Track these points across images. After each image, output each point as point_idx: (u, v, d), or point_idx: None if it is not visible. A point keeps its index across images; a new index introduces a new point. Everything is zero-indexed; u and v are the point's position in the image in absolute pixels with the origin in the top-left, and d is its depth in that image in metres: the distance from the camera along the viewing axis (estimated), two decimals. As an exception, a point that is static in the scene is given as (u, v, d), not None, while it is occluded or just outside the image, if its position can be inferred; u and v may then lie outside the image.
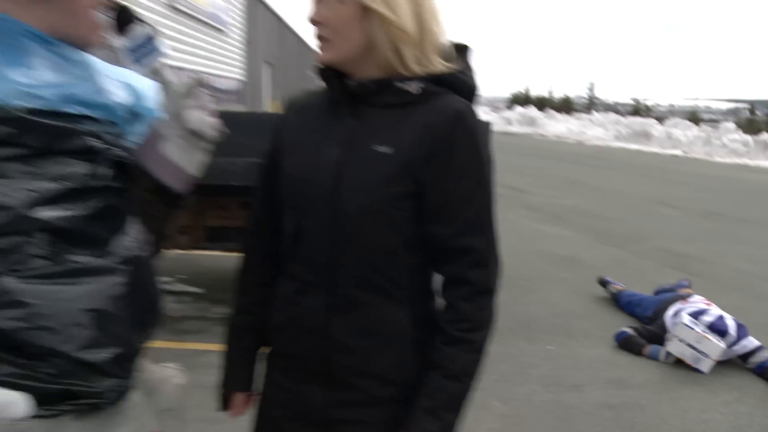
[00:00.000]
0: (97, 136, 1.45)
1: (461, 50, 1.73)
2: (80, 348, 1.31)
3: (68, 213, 1.35)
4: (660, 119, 44.39)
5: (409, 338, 1.72)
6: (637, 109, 57.90)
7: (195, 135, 1.57)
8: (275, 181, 1.81)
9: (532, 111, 51.83)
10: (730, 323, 5.57)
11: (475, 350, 1.69)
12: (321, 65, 1.72)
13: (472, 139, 1.65)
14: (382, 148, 1.63)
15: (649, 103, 63.89)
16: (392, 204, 1.64)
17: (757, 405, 4.93)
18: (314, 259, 1.71)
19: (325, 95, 1.78)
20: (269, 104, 35.64)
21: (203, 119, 1.55)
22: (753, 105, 56.08)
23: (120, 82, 1.60)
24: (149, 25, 1.58)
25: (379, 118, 1.67)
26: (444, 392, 1.66)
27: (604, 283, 7.21)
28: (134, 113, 1.62)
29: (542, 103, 65.96)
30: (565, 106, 65.71)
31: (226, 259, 7.00)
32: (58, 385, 1.30)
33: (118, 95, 1.54)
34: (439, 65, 1.66)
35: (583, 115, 51.93)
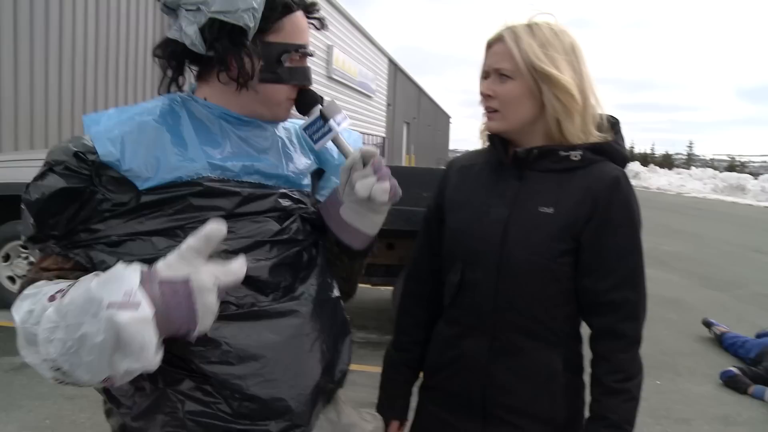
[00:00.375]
0: (286, 197, 1.46)
1: (613, 122, 1.70)
2: (255, 384, 1.29)
3: (254, 264, 1.32)
4: (754, 174, 42.49)
5: (561, 380, 1.65)
6: (732, 165, 55.49)
7: (367, 201, 1.45)
8: (438, 233, 1.78)
9: (635, 166, 50.48)
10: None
11: (633, 398, 1.60)
12: (489, 132, 1.70)
13: (627, 202, 1.60)
14: (546, 209, 1.60)
15: (743, 159, 61.33)
16: (554, 259, 1.59)
17: None
18: (480, 307, 1.66)
19: (487, 158, 1.75)
20: (405, 158, 36.20)
21: (374, 187, 1.41)
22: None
23: (306, 150, 1.60)
24: (331, 102, 1.47)
25: (542, 181, 1.64)
26: None
27: (708, 325, 6.82)
28: (319, 175, 1.61)
29: (645, 159, 64.30)
30: (666, 162, 63.83)
31: (369, 291, 7.10)
32: (233, 424, 1.27)
33: (297, 165, 1.54)
34: (596, 135, 1.64)
35: (682, 170, 50.25)
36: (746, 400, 5.19)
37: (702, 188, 37.62)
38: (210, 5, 1.34)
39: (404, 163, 33.20)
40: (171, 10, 1.41)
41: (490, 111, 1.65)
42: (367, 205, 1.46)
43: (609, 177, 1.60)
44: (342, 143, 1.50)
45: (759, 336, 6.41)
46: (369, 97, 27.98)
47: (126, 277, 1.08)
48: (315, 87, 1.54)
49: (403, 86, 37.31)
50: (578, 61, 1.63)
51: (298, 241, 1.44)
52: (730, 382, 5.41)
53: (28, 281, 1.29)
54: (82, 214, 1.30)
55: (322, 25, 1.54)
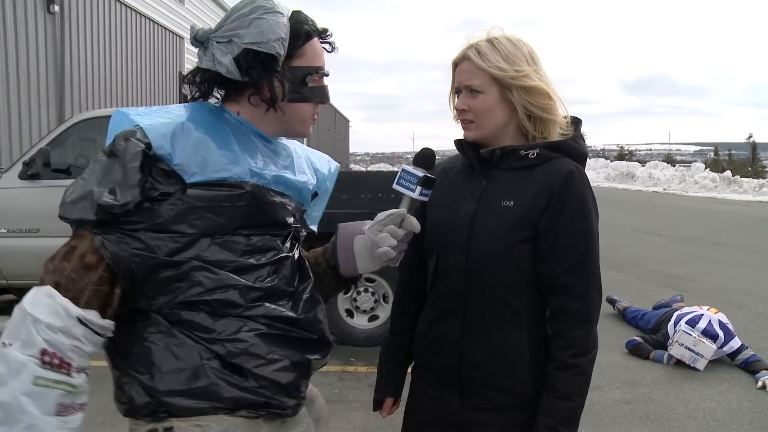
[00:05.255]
0: (294, 214, 1.59)
1: (575, 122, 1.79)
2: (273, 372, 1.44)
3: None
4: (642, 162, 43.95)
5: (526, 357, 1.70)
6: (622, 154, 57.31)
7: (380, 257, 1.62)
8: (422, 230, 1.79)
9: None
10: (719, 328, 5.60)
11: (583, 373, 1.66)
12: (464, 140, 1.79)
13: (580, 194, 1.66)
14: (507, 203, 1.68)
15: (631, 148, 63.39)
16: (514, 247, 1.66)
17: (743, 393, 5.02)
18: (451, 291, 1.75)
19: (463, 161, 1.85)
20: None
21: (386, 250, 1.59)
22: (716, 147, 55.36)
23: (308, 166, 1.70)
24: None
25: (505, 179, 1.72)
26: (559, 411, 1.64)
27: (612, 302, 7.23)
28: (316, 193, 1.74)
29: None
30: (563, 155, 64.86)
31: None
32: (260, 397, 1.42)
33: (307, 183, 1.64)
34: (556, 135, 1.73)
35: (578, 162, 51.25)
36: (649, 364, 5.67)
37: (596, 177, 38.63)
38: (243, 37, 1.43)
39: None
40: (200, 43, 1.49)
41: (467, 122, 1.74)
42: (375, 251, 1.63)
43: (564, 171, 1.66)
44: (406, 200, 1.63)
45: (656, 308, 6.90)
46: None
47: None
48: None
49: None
50: (538, 65, 1.71)
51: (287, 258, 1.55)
52: (634, 350, 5.86)
53: (65, 280, 1.33)
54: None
55: (332, 48, 1.61)
